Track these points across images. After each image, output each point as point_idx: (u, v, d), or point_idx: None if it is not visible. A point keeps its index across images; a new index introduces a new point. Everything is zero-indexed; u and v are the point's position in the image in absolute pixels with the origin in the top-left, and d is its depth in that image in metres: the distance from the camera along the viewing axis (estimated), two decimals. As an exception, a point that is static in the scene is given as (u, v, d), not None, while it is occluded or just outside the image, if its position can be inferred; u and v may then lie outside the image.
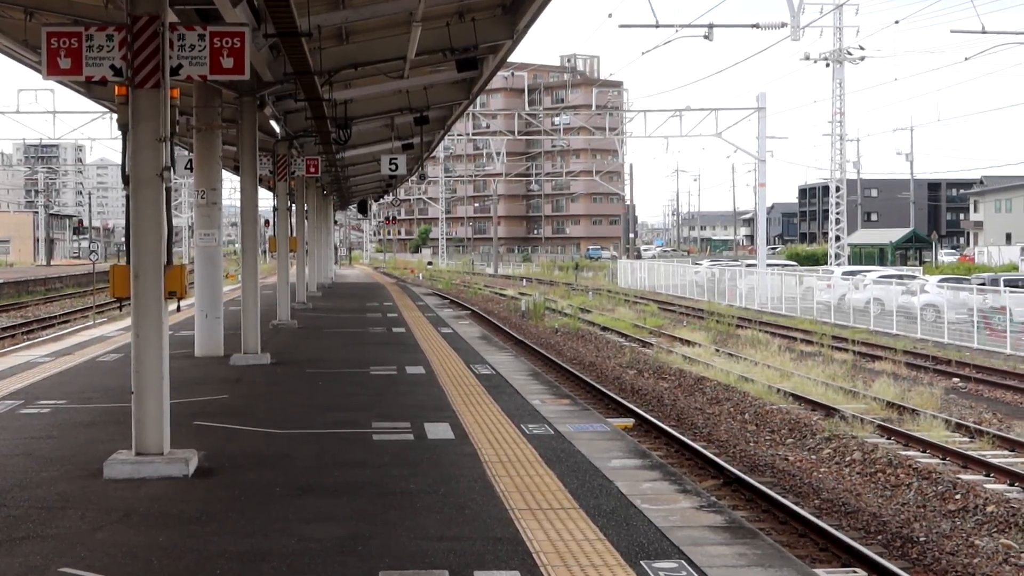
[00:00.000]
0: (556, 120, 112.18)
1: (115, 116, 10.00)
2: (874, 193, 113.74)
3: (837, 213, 52.84)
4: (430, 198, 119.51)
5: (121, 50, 8.88)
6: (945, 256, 76.52)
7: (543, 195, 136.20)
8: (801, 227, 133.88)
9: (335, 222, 69.39)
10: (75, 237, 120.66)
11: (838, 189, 52.67)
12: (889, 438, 15.85)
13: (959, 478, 13.21)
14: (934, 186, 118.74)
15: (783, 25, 40.39)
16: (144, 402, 8.88)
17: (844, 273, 40.47)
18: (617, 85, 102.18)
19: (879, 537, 11.13)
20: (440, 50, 18.10)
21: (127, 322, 16.34)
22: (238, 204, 18.68)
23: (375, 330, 23.09)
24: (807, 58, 50.21)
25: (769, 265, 47.47)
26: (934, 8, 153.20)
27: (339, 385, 14.35)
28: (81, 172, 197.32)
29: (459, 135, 73.81)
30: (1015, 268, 55.00)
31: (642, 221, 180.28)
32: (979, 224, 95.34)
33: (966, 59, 72.26)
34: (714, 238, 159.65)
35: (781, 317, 38.11)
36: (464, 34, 17.62)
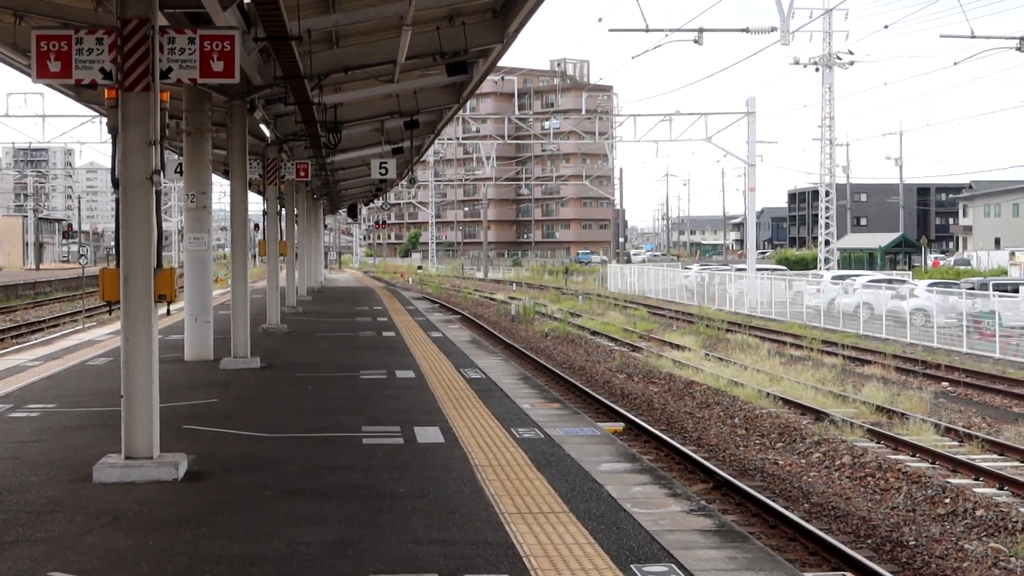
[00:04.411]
0: (546, 124, 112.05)
1: (105, 120, 9.98)
2: (863, 198, 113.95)
3: (827, 217, 52.99)
4: (420, 202, 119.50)
5: (111, 53, 8.86)
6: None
7: (533, 199, 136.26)
8: (791, 231, 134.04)
9: (325, 226, 69.31)
10: (64, 241, 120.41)
11: (827, 193, 52.83)
12: (879, 442, 15.87)
13: (948, 482, 13.24)
14: (923, 191, 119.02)
15: (773, 30, 40.50)
16: (134, 406, 8.86)
17: (834, 277, 40.56)
18: (607, 89, 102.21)
19: (869, 541, 11.14)
20: (430, 54, 18.11)
21: (117, 326, 16.31)
22: (228, 208, 18.64)
23: (365, 334, 23.06)
24: (797, 63, 50.44)
25: (759, 269, 47.52)
26: (923, 13, 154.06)
27: (329, 389, 14.33)
28: (71, 176, 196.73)
29: (449, 139, 73.78)
30: (1004, 272, 55.14)
31: (632, 225, 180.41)
32: (968, 229, 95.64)
33: (955, 64, 72.62)
34: (704, 242, 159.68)
35: (771, 321, 38.17)
36: (454, 38, 17.63)
